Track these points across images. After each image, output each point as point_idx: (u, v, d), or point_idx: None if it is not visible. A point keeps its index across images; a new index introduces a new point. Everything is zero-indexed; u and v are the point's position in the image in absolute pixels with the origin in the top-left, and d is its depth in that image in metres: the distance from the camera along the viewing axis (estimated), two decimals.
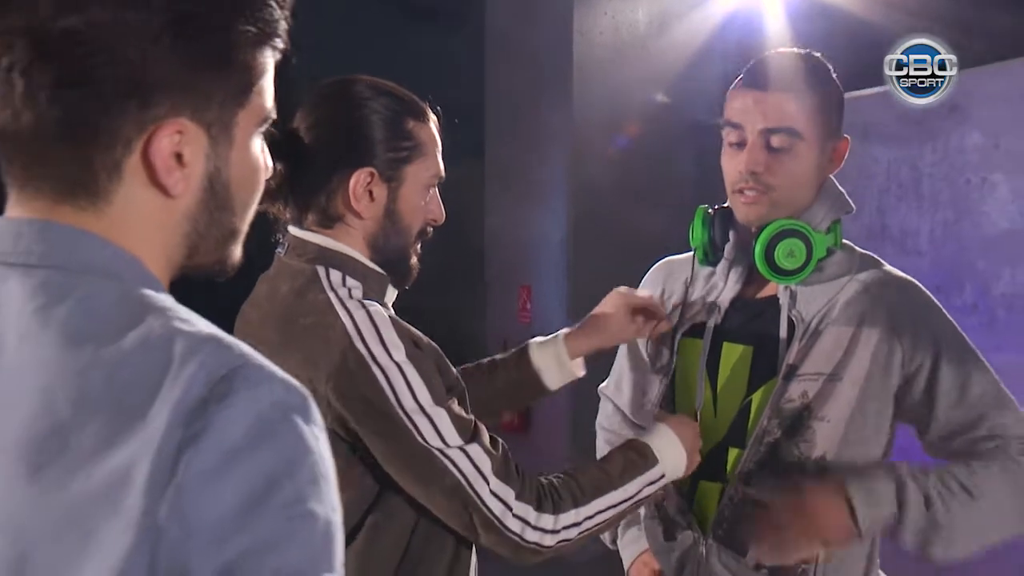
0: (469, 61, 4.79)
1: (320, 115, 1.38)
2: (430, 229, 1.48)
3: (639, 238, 4.22)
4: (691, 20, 4.33)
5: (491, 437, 1.35)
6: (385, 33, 5.07)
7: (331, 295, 1.32)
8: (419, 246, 1.47)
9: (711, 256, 1.68)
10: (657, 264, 1.86)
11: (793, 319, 1.57)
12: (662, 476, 1.46)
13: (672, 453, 1.49)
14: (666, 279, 1.80)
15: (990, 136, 3.03)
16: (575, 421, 4.12)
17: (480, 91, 4.75)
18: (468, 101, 4.76)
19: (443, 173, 1.46)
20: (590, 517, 1.38)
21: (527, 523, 1.31)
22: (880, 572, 1.64)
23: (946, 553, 1.48)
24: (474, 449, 1.30)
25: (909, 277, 1.61)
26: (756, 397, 1.60)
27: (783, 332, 1.57)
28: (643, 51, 4.26)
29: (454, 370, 1.39)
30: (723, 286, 1.67)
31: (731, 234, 1.66)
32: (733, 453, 1.61)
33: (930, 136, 3.22)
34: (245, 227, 0.83)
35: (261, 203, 1.35)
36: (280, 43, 0.78)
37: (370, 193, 1.38)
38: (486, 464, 1.30)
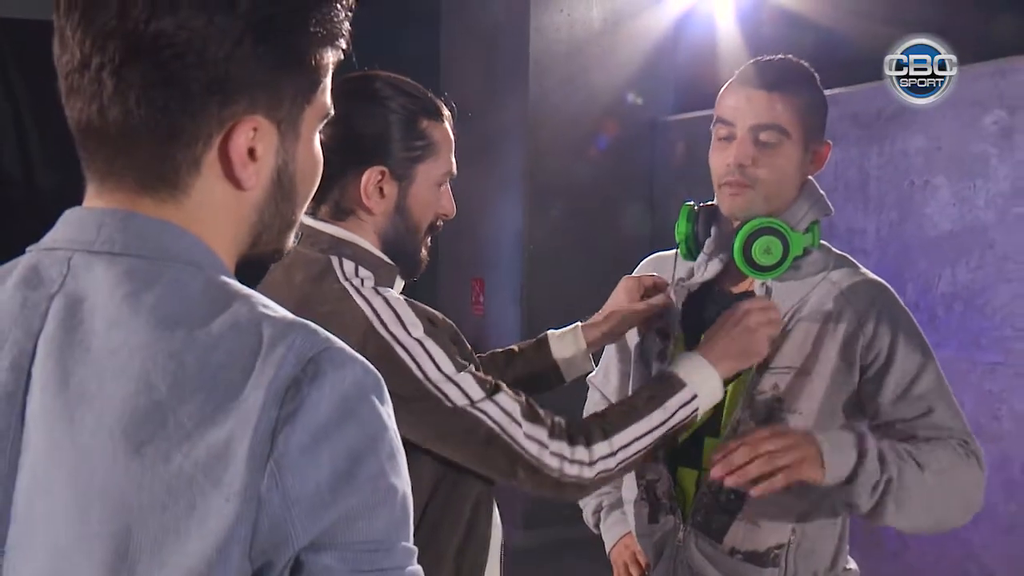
0: (424, 55, 4.85)
1: (337, 111, 1.45)
2: (440, 223, 1.54)
3: (594, 233, 4.34)
4: (646, 18, 4.44)
5: (513, 389, 1.41)
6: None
7: (346, 284, 1.38)
8: (429, 239, 1.54)
9: (694, 251, 1.79)
10: (645, 260, 1.96)
11: None
12: (694, 397, 1.49)
13: (701, 375, 1.51)
14: (660, 271, 1.89)
15: (933, 139, 3.17)
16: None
17: (436, 84, 4.80)
18: None
19: (455, 170, 1.52)
20: (625, 446, 1.43)
21: (564, 458, 1.37)
22: (849, 558, 1.74)
23: (897, 515, 1.56)
24: (501, 398, 1.36)
25: (879, 279, 1.71)
26: (731, 388, 1.68)
27: None
28: (598, 48, 4.37)
29: (469, 347, 1.46)
30: (700, 276, 1.77)
31: (713, 230, 1.76)
32: (708, 442, 1.71)
33: (876, 138, 3.36)
34: (301, 217, 0.88)
35: None
36: (343, 43, 0.83)
37: (381, 190, 1.44)
38: (515, 410, 1.36)
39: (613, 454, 1.43)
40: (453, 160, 1.53)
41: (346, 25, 0.82)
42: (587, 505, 2.00)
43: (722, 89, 1.72)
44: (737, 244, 1.65)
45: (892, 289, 1.72)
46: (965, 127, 3.07)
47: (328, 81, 0.84)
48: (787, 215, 1.69)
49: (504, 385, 1.41)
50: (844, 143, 3.44)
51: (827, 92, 3.46)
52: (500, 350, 1.80)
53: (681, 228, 1.78)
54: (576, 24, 4.34)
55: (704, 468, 1.69)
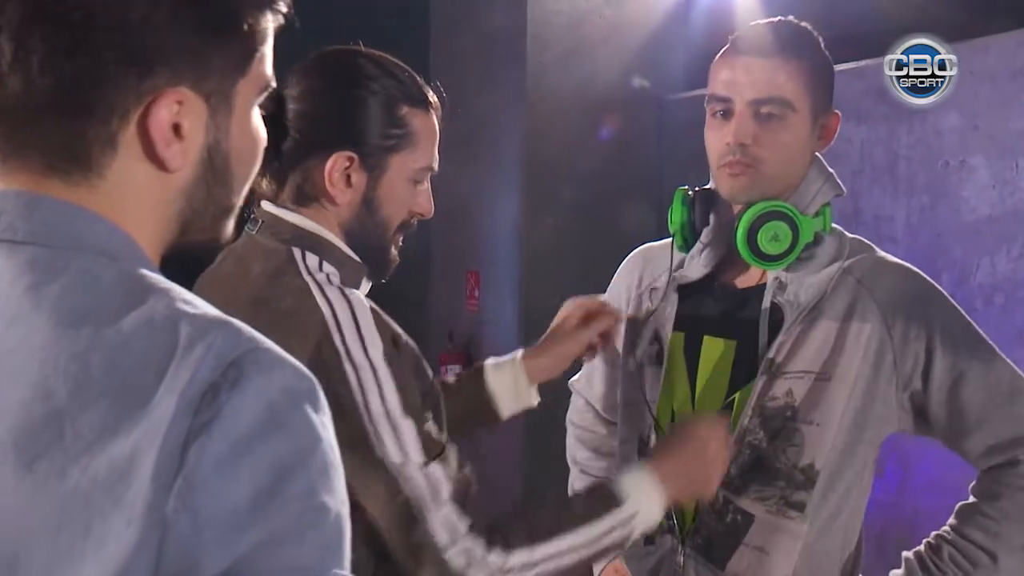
0: (412, 29, 4.72)
1: (311, 85, 1.37)
2: (415, 221, 1.46)
3: (596, 222, 4.21)
4: None
5: (457, 461, 1.32)
6: None
7: (308, 280, 1.30)
8: (400, 238, 1.45)
9: (691, 241, 1.67)
10: (633, 253, 1.84)
11: (780, 305, 1.54)
12: (635, 515, 1.38)
13: (647, 493, 1.41)
14: (644, 267, 1.78)
15: (969, 117, 3.04)
16: (526, 417, 4.11)
17: (425, 62, 4.69)
18: (411, 69, 4.70)
19: (436, 166, 1.45)
20: (547, 559, 1.33)
21: (472, 559, 1.27)
22: None
23: None
24: (434, 469, 1.27)
25: (903, 263, 1.59)
26: (740, 395, 1.58)
27: (763, 321, 1.55)
28: (602, 20, 4.24)
29: (431, 373, 1.37)
30: (691, 270, 1.65)
31: (711, 217, 1.64)
32: None
33: (905, 116, 3.23)
34: (240, 202, 0.83)
35: None
36: (283, 7, 0.78)
37: (348, 178, 1.35)
38: (444, 489, 1.27)
39: (532, 564, 1.30)
40: (435, 154, 1.45)
41: None
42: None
43: (714, 60, 1.58)
44: (740, 231, 1.54)
45: (922, 273, 1.58)
46: (1005, 102, 2.93)
47: (267, 49, 0.79)
48: (795, 197, 1.57)
49: (450, 452, 1.30)
50: (871, 121, 3.30)
51: (853, 64, 3.30)
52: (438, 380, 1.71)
53: (675, 215, 1.67)
54: None
55: None
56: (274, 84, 0.82)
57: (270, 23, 0.78)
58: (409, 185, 1.42)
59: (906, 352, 1.51)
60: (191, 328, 0.68)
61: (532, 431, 4.02)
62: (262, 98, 0.81)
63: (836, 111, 1.61)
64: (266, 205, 1.39)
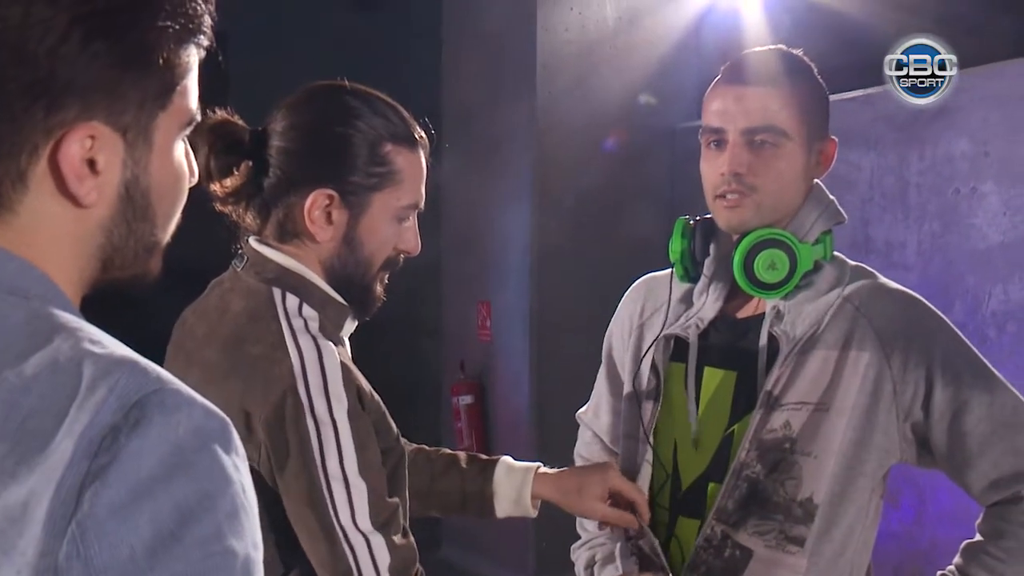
0: (424, 57, 4.78)
1: (293, 121, 1.36)
2: (401, 259, 1.45)
3: (608, 251, 4.23)
4: (664, 16, 4.35)
5: (404, 530, 1.33)
6: (330, 23, 5.03)
7: (284, 324, 1.31)
8: (385, 276, 1.44)
9: (691, 271, 1.65)
10: (637, 282, 1.82)
11: (776, 336, 1.54)
12: None
13: None
14: (646, 297, 1.76)
15: (979, 143, 3.06)
16: (537, 442, 4.11)
17: (436, 90, 4.74)
18: (423, 101, 4.74)
19: (422, 203, 1.43)
20: None
21: None
22: None
23: None
24: (377, 541, 1.27)
25: (904, 288, 1.57)
26: (739, 428, 1.56)
27: (762, 360, 1.54)
28: (612, 49, 4.28)
29: (395, 431, 1.37)
30: (703, 304, 1.64)
31: (711, 247, 1.63)
32: (712, 488, 1.58)
33: (916, 142, 3.25)
34: (166, 238, 0.81)
35: (221, 204, 1.34)
36: (205, 40, 0.77)
37: (328, 216, 1.35)
38: (384, 561, 1.28)
39: None
40: (422, 192, 1.42)
41: (207, 19, 0.76)
42: (579, 559, 1.85)
43: (706, 92, 1.59)
44: (737, 260, 1.53)
45: (923, 300, 1.56)
46: (1016, 128, 2.95)
47: (190, 82, 0.78)
48: (793, 225, 1.56)
49: (397, 521, 1.31)
50: (881, 147, 3.33)
51: (863, 92, 3.32)
52: (447, 452, 1.70)
53: (675, 246, 1.64)
54: (588, 23, 4.25)
55: (707, 518, 1.55)
56: (199, 118, 0.80)
57: (192, 56, 0.76)
58: (393, 223, 1.40)
59: (906, 381, 1.49)
60: (95, 368, 0.66)
61: (541, 450, 4.03)
62: (187, 131, 0.80)
63: (833, 137, 1.60)
64: (252, 241, 1.39)
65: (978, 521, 1.55)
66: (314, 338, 1.30)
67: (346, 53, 4.36)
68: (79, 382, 0.65)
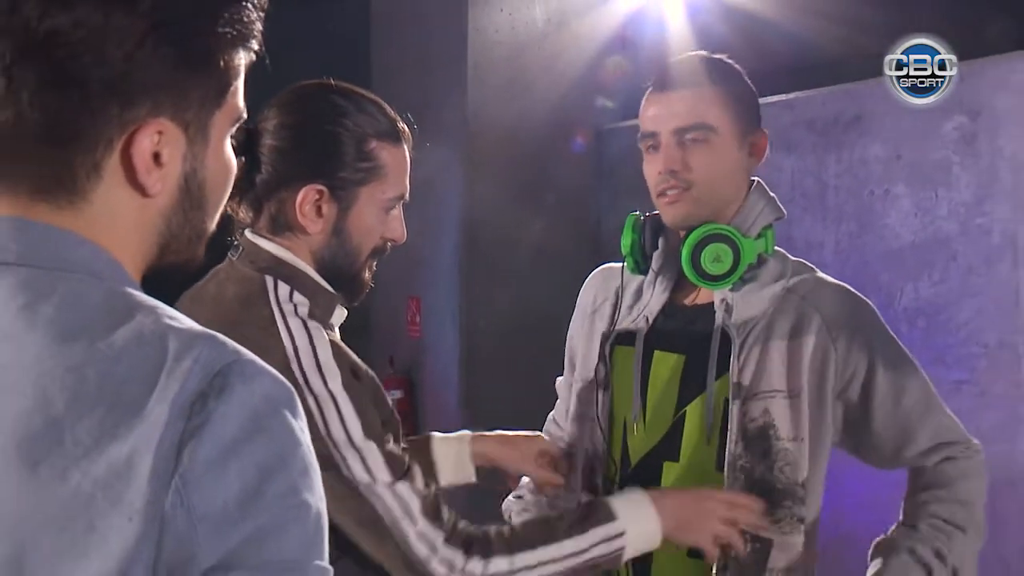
0: (352, 58, 4.78)
1: (284, 120, 1.43)
2: (388, 246, 1.54)
3: (538, 248, 4.29)
4: (591, 19, 4.41)
5: (424, 479, 1.39)
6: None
7: (275, 309, 1.38)
8: (374, 263, 1.54)
9: (641, 264, 1.76)
10: (594, 272, 1.92)
11: (728, 331, 1.64)
12: (621, 533, 1.43)
13: (639, 514, 1.46)
14: (600, 286, 1.87)
15: (891, 147, 3.17)
16: (467, 424, 4.15)
17: (366, 89, 4.74)
18: None
19: (407, 194, 1.51)
20: (526, 569, 1.38)
21: (453, 568, 1.34)
22: None
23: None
24: (402, 488, 1.33)
25: (842, 283, 1.71)
26: (691, 411, 1.66)
27: (715, 342, 1.64)
28: (541, 51, 4.33)
29: (390, 403, 1.45)
30: (651, 295, 1.74)
31: (660, 241, 1.74)
32: (668, 467, 1.67)
33: (834, 146, 3.36)
34: (213, 226, 0.89)
35: None
36: (255, 44, 0.84)
37: (319, 209, 1.42)
38: (415, 504, 1.34)
39: (512, 572, 1.37)
40: (406, 183, 1.52)
41: (258, 26, 0.84)
42: (505, 511, 1.97)
43: (642, 102, 1.71)
44: (685, 253, 1.63)
45: (859, 293, 1.71)
46: (925, 134, 3.08)
47: (239, 83, 0.86)
48: (737, 220, 1.67)
49: (416, 470, 1.38)
50: (800, 151, 3.43)
51: (783, 97, 3.42)
52: None
53: (626, 240, 1.75)
54: (517, 25, 4.30)
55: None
56: (245, 115, 0.88)
57: (243, 60, 0.84)
58: (380, 214, 1.48)
59: (848, 364, 1.63)
60: (178, 342, 0.74)
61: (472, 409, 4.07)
62: (234, 128, 0.87)
63: (764, 130, 1.73)
64: (248, 233, 1.46)
65: (907, 492, 1.73)
66: (303, 321, 1.37)
67: (272, 52, 4.29)
68: (165, 353, 0.73)
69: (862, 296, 1.71)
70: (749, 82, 1.72)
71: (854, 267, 3.28)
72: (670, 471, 1.67)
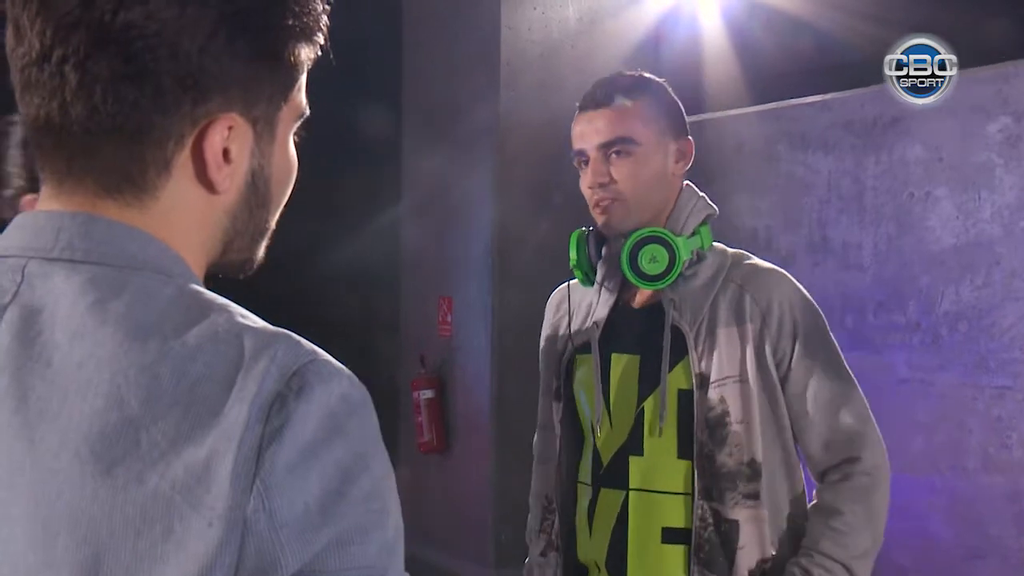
0: (384, 56, 4.77)
1: None
2: None
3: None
4: (625, 18, 4.37)
5: None
6: None
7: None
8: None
9: (590, 275, 1.88)
10: (555, 291, 2.04)
11: (678, 326, 1.74)
12: None
13: None
14: (558, 304, 1.99)
15: (933, 149, 3.12)
16: (497, 436, 4.13)
17: (397, 89, 4.73)
18: (384, 99, 4.73)
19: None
20: None
21: None
22: None
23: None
24: None
25: (777, 267, 1.81)
26: (648, 405, 1.78)
27: (667, 338, 1.75)
28: (574, 50, 4.30)
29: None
30: (597, 302, 1.86)
31: (604, 251, 1.86)
32: (634, 461, 1.78)
33: (873, 147, 3.31)
34: (273, 224, 0.87)
35: None
36: (320, 39, 0.83)
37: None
38: None
39: None
40: None
41: (324, 19, 0.82)
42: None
43: (572, 124, 1.84)
44: (623, 257, 1.74)
45: (790, 276, 1.79)
46: (968, 135, 3.02)
47: (303, 79, 0.84)
48: (670, 222, 1.79)
49: None
50: (838, 152, 3.38)
51: (820, 97, 3.37)
52: None
53: (572, 254, 1.87)
54: (551, 23, 4.26)
55: (631, 488, 1.77)
56: (308, 112, 0.86)
57: (310, 54, 0.83)
58: None
59: (779, 343, 1.73)
60: (254, 340, 0.72)
61: (502, 446, 4.05)
62: (298, 125, 0.86)
63: (689, 137, 1.82)
64: None
65: (812, 503, 1.80)
66: None
67: None
68: (241, 352, 0.71)
69: (792, 279, 1.78)
70: (672, 94, 1.84)
71: (893, 269, 3.23)
72: (636, 465, 1.78)
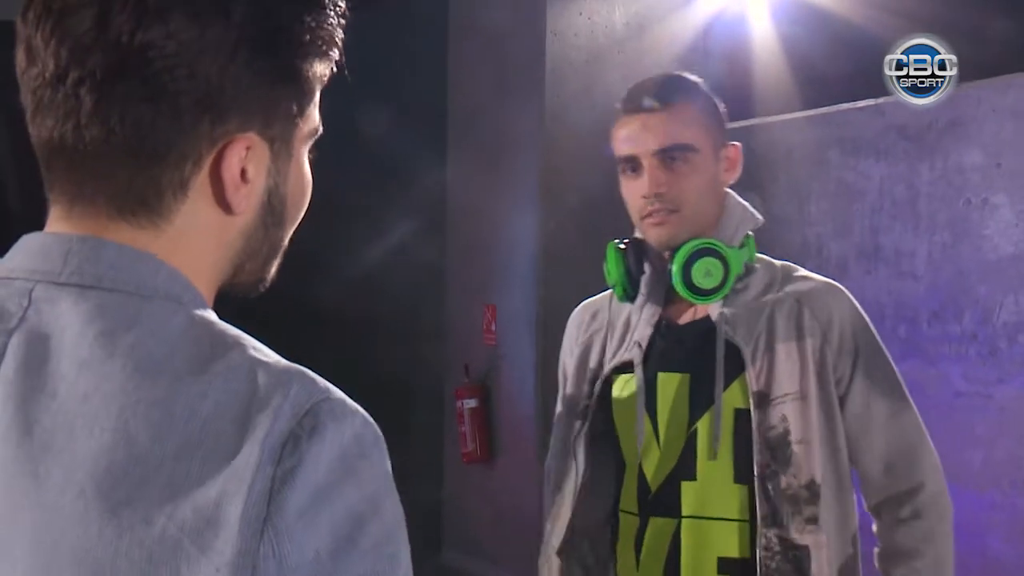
0: (429, 60, 4.75)
1: None
2: None
3: None
4: (672, 23, 4.33)
5: None
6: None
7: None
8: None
9: (630, 291, 1.77)
10: (576, 309, 1.97)
11: (733, 342, 1.66)
12: None
13: None
14: (591, 320, 1.89)
15: (991, 155, 3.04)
16: (542, 446, 4.09)
17: (442, 92, 4.72)
18: (429, 105, 4.72)
19: None
20: None
21: None
22: None
23: None
24: None
25: (833, 282, 1.74)
26: (701, 426, 1.68)
27: (720, 355, 1.66)
28: (621, 55, 4.26)
29: None
30: (638, 320, 1.76)
31: (646, 266, 1.75)
32: (686, 487, 1.68)
33: (926, 153, 3.24)
34: (287, 243, 0.86)
35: None
36: (335, 54, 0.81)
37: None
38: None
39: None
40: None
41: (339, 34, 0.81)
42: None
43: (613, 127, 1.74)
44: (676, 271, 1.66)
45: (846, 291, 1.72)
46: None
47: (318, 97, 0.83)
48: (718, 233, 1.69)
49: None
50: (891, 158, 3.31)
51: (872, 102, 3.30)
52: None
53: (611, 270, 1.77)
54: (597, 28, 4.23)
55: (684, 515, 1.67)
56: (321, 129, 0.84)
57: (327, 71, 0.81)
58: None
59: (840, 361, 1.66)
60: (267, 377, 0.70)
61: (546, 431, 4.01)
62: (312, 142, 0.84)
63: (735, 143, 1.74)
64: None
65: (884, 544, 1.72)
66: None
67: (348, 53, 4.29)
68: (255, 389, 0.69)
69: (847, 293, 1.72)
70: (712, 96, 1.75)
71: (948, 278, 3.15)
72: (688, 491, 1.68)
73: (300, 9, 0.77)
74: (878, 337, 1.72)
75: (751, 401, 1.64)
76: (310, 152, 0.85)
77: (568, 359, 1.90)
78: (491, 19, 4.51)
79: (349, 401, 0.71)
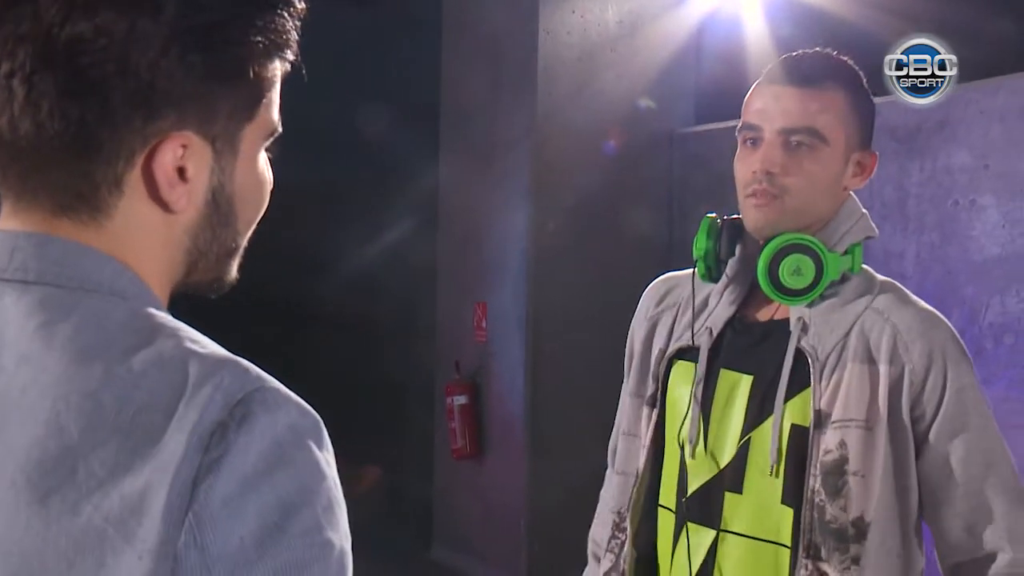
0: (423, 58, 4.76)
1: None
2: None
3: (605, 253, 4.22)
4: (665, 21, 4.34)
5: None
6: (329, 20, 5.00)
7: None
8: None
9: (714, 271, 1.60)
10: (656, 279, 1.76)
11: (805, 351, 1.51)
12: None
13: None
14: (665, 295, 1.72)
15: (979, 156, 3.06)
16: (531, 444, 4.11)
17: (435, 92, 4.72)
18: (421, 103, 4.73)
19: None
20: None
21: None
22: None
23: None
24: None
25: (933, 310, 1.54)
26: (756, 436, 1.54)
27: (788, 363, 1.51)
28: (614, 54, 4.27)
29: None
30: (716, 306, 1.61)
31: (737, 248, 1.59)
32: (730, 499, 1.55)
33: (916, 154, 3.25)
34: (244, 244, 0.85)
35: None
36: (290, 54, 0.80)
37: None
38: None
39: None
40: None
41: (294, 35, 0.80)
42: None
43: (749, 91, 1.56)
44: (762, 263, 1.50)
45: (946, 320, 1.52)
46: (1015, 142, 2.95)
47: (274, 95, 0.82)
48: (823, 234, 1.53)
49: None
50: (881, 158, 3.30)
51: None
52: None
53: (700, 243, 1.58)
54: (589, 26, 4.24)
55: (723, 529, 1.53)
56: (280, 129, 0.83)
57: (278, 70, 0.80)
58: None
59: (922, 398, 1.48)
60: (200, 367, 0.70)
61: (536, 454, 4.02)
62: (269, 142, 0.83)
63: (875, 151, 1.57)
64: None
65: None
66: None
67: (343, 52, 4.33)
68: (186, 379, 0.69)
69: (948, 324, 1.53)
70: (868, 91, 1.56)
71: (936, 279, 3.17)
72: (732, 503, 1.55)
73: (241, 7, 0.76)
74: (977, 381, 1.52)
75: (811, 419, 1.48)
76: (268, 150, 0.84)
77: (637, 331, 1.74)
78: (484, 17, 4.52)
79: (284, 391, 0.71)
